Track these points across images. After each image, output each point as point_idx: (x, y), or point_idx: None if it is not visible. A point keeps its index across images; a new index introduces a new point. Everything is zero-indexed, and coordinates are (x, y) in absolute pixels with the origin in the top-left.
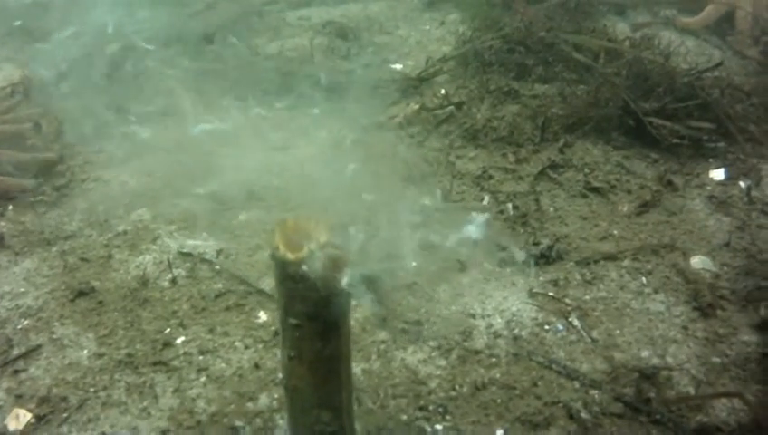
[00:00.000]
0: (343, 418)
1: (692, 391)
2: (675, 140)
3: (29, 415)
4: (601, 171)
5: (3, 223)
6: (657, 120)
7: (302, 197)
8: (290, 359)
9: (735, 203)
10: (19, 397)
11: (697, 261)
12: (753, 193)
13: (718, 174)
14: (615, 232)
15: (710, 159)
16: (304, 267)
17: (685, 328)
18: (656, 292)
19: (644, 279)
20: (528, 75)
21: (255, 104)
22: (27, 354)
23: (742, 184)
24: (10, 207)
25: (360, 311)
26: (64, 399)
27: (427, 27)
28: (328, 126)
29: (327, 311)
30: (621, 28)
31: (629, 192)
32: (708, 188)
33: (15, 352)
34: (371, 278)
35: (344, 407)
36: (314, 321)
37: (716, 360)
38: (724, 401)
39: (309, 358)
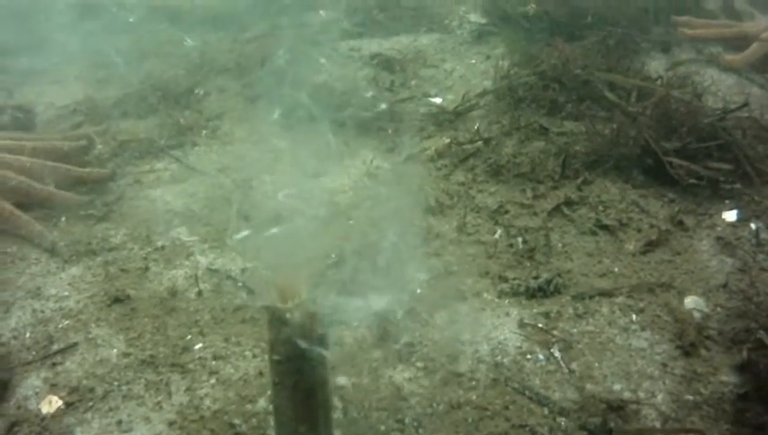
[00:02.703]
0: (319, 430)
1: (658, 425)
2: (692, 181)
3: (60, 402)
4: (615, 209)
5: (55, 233)
6: (677, 160)
7: (326, 223)
8: (274, 384)
9: (742, 245)
10: (54, 386)
11: (690, 301)
12: (762, 235)
13: (731, 215)
14: (616, 269)
15: (726, 201)
16: (287, 316)
17: (664, 365)
18: (642, 329)
19: (634, 316)
20: (559, 112)
21: (296, 132)
22: (65, 350)
23: (753, 226)
24: (63, 218)
25: (359, 331)
26: (91, 390)
27: (473, 61)
28: (362, 156)
29: (304, 353)
30: (659, 66)
31: (639, 231)
32: (719, 229)
33: (55, 347)
34: (373, 303)
35: (320, 422)
36: (293, 360)
37: (689, 398)
38: None
39: (289, 386)
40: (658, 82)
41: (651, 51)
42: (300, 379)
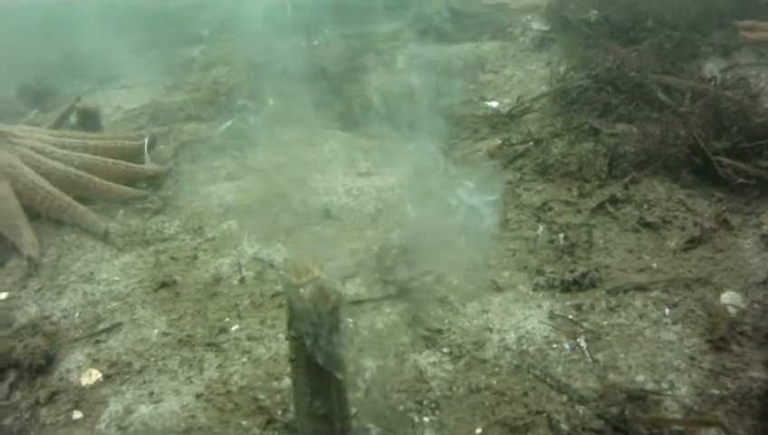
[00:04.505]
0: (333, 405)
1: (678, 417)
2: (741, 180)
3: (99, 374)
4: (660, 208)
5: (112, 224)
6: (726, 159)
7: (370, 219)
8: (291, 360)
9: None
10: (95, 361)
11: (726, 297)
12: None
13: None
14: (655, 265)
15: None
16: (302, 291)
17: (692, 358)
18: (674, 323)
19: (667, 310)
20: (611, 114)
21: (352, 134)
22: (110, 329)
23: None
24: (121, 211)
25: (390, 317)
26: (129, 364)
27: (533, 67)
28: (414, 157)
29: (317, 328)
30: (716, 69)
31: (683, 229)
32: (765, 227)
33: (101, 326)
34: (408, 291)
35: (334, 397)
36: (308, 335)
37: (715, 392)
38: (712, 431)
39: (304, 361)
40: (712, 83)
41: (711, 55)
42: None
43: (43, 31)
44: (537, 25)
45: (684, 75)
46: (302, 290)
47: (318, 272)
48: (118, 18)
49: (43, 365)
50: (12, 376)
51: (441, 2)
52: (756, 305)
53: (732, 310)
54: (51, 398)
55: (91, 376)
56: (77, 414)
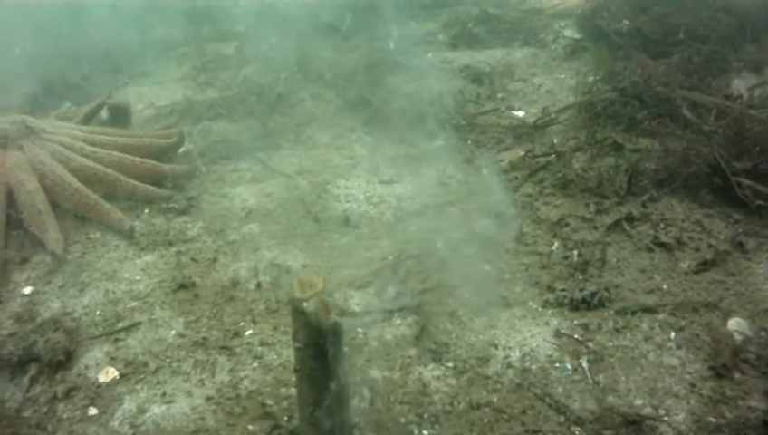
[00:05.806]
0: (333, 417)
1: None
2: (760, 202)
3: (116, 372)
4: (676, 227)
5: (137, 223)
6: (746, 180)
7: (389, 228)
8: (296, 371)
9: None
10: (113, 359)
11: (733, 323)
12: None
13: None
14: (665, 287)
15: None
16: (305, 305)
17: (692, 385)
18: (678, 347)
19: (672, 334)
20: (635, 129)
21: (378, 139)
22: (129, 328)
23: None
24: (146, 210)
25: (400, 329)
26: (145, 364)
27: (563, 76)
28: (437, 165)
29: (319, 340)
30: (744, 85)
31: (697, 250)
32: None
33: (120, 325)
34: (419, 304)
35: (333, 408)
36: (310, 347)
37: (712, 420)
38: None
39: (307, 372)
40: (738, 101)
41: (742, 70)
42: (315, 366)
43: (76, 26)
44: (570, 33)
45: (711, 91)
46: (305, 304)
47: (321, 286)
48: (152, 13)
49: (63, 361)
50: (33, 370)
51: (475, 5)
52: (763, 333)
53: (738, 337)
54: (68, 393)
55: (108, 374)
56: (92, 410)
